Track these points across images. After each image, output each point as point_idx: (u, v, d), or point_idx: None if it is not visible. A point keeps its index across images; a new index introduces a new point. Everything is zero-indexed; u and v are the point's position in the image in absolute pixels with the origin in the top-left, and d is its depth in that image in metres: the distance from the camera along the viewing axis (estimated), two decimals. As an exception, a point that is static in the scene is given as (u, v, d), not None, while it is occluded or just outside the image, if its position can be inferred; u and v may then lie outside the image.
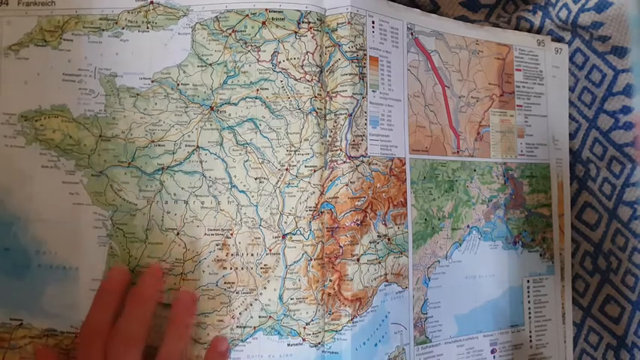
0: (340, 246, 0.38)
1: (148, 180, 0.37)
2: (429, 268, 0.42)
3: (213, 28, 0.38)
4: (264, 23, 0.38)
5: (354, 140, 0.38)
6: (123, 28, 0.38)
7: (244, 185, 0.37)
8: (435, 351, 0.42)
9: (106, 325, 0.34)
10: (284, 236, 0.37)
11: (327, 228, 0.38)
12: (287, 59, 0.38)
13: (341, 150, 0.38)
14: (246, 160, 0.37)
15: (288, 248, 0.37)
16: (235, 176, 0.37)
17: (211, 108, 0.38)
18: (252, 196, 0.37)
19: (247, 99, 0.38)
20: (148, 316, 0.34)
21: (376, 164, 0.39)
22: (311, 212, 0.37)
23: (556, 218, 0.47)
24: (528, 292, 0.46)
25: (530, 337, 0.46)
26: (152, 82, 0.38)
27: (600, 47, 0.47)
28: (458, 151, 0.44)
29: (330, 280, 0.37)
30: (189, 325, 0.36)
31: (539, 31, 0.49)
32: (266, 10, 0.38)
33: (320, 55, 0.38)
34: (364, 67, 0.39)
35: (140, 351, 0.34)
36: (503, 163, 0.46)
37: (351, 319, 0.37)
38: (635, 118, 0.46)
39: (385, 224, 0.39)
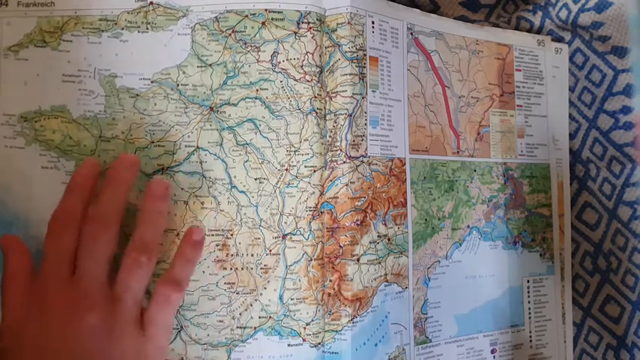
0: (340, 246, 0.38)
1: (148, 180, 0.37)
2: (429, 268, 0.42)
3: (212, 28, 0.38)
4: (263, 23, 0.38)
5: (354, 140, 0.38)
6: (122, 29, 0.38)
7: (244, 186, 0.37)
8: (435, 351, 0.42)
9: (77, 213, 0.33)
10: (284, 236, 0.37)
11: (327, 228, 0.38)
12: (287, 59, 0.38)
13: (341, 150, 0.38)
14: (246, 161, 0.37)
15: (288, 248, 0.37)
16: (235, 177, 0.37)
17: (211, 108, 0.38)
18: (252, 197, 0.37)
19: (247, 99, 0.38)
20: (122, 198, 0.34)
21: (376, 164, 0.39)
22: (311, 212, 0.37)
23: (556, 218, 0.47)
24: (528, 292, 0.46)
25: (530, 337, 0.46)
26: (152, 82, 0.38)
27: (600, 47, 0.47)
28: (458, 151, 0.44)
29: (330, 281, 0.37)
30: (161, 211, 0.35)
31: (539, 31, 0.49)
32: (266, 10, 0.38)
33: (320, 56, 0.38)
34: (364, 67, 0.39)
35: (115, 232, 0.33)
36: (503, 163, 0.46)
37: (351, 320, 0.37)
38: (635, 118, 0.46)
39: (385, 224, 0.39)
